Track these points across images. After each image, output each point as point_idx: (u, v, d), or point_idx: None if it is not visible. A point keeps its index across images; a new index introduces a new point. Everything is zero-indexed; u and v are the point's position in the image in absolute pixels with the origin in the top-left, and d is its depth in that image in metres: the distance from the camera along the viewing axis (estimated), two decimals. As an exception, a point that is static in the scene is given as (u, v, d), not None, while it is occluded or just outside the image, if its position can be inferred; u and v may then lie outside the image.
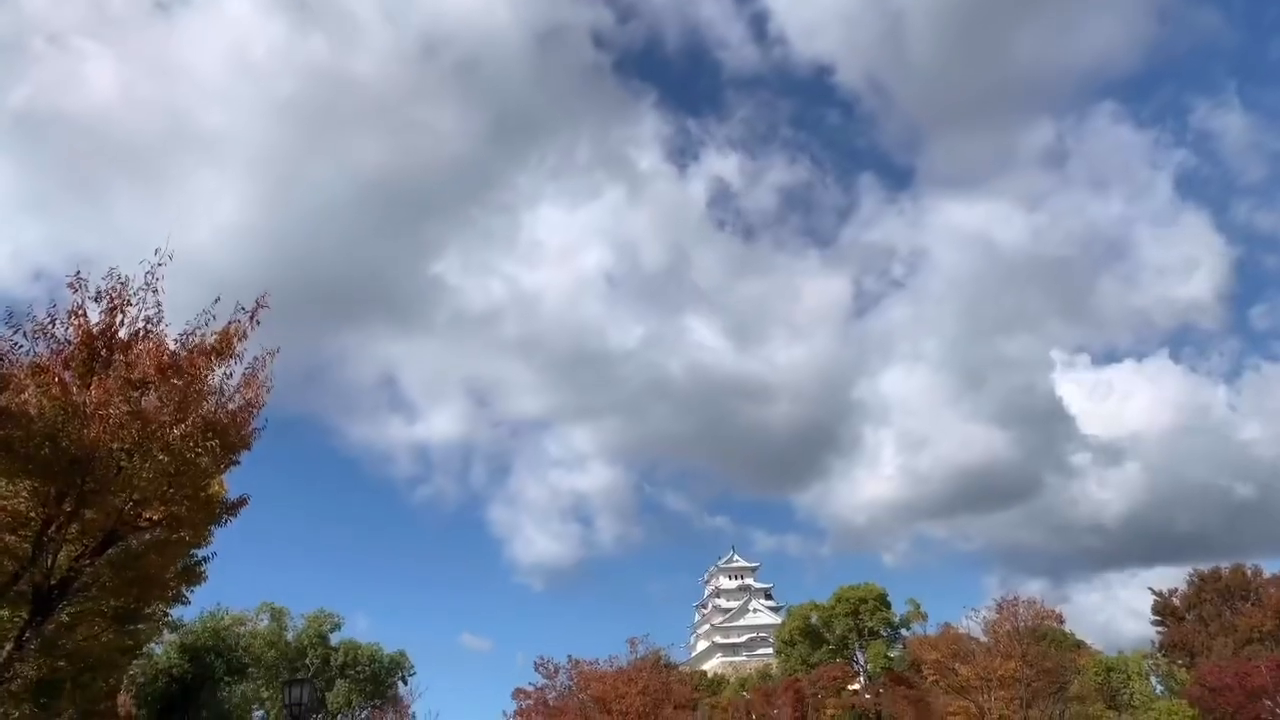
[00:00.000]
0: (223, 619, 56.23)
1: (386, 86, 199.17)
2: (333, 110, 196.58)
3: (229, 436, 17.79)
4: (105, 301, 16.66)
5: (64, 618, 18.37)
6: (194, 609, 51.80)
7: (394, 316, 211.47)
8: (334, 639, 66.17)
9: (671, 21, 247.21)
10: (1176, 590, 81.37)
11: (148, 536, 18.22)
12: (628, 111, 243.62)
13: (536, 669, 57.46)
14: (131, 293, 16.84)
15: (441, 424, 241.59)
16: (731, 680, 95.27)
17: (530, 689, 59.50)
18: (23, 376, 15.94)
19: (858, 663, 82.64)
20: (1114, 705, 63.20)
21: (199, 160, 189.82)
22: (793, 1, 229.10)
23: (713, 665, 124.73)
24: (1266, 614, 71.57)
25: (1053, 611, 59.89)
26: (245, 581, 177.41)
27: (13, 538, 16.36)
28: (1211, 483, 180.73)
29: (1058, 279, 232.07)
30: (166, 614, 25.37)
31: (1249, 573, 78.65)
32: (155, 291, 17.03)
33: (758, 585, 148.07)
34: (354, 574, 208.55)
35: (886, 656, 79.60)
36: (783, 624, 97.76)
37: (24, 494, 16.20)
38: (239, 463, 19.05)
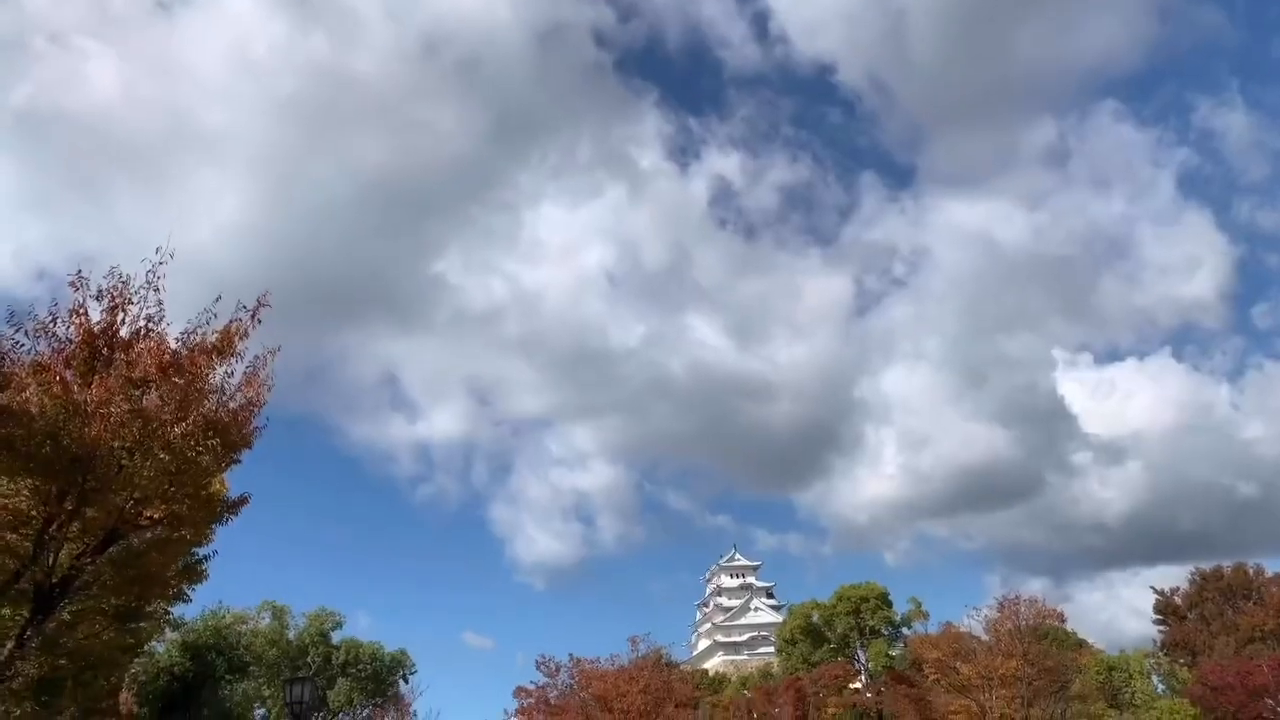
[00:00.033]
0: (224, 617, 56.32)
1: (387, 85, 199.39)
2: (334, 109, 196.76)
3: (230, 435, 17.80)
4: (106, 300, 16.67)
5: (65, 616, 18.38)
6: (195, 607, 51.98)
7: (395, 315, 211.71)
8: (335, 637, 66.24)
9: (673, 20, 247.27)
10: (1178, 589, 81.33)
11: (149, 535, 18.23)
12: (629, 110, 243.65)
13: (538, 667, 57.59)
14: (133, 291, 16.85)
15: (443, 423, 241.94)
16: (733, 679, 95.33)
17: (531, 687, 59.57)
18: (24, 375, 15.97)
19: (859, 661, 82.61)
20: (1115, 704, 63.16)
21: (200, 159, 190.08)
22: (794, 0, 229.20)
23: (714, 664, 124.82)
24: (1268, 613, 71.51)
25: (1054, 610, 59.94)
26: (247, 580, 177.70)
27: (14, 536, 16.39)
28: (1214, 481, 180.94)
29: (1059, 278, 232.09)
30: (168, 612, 25.38)
31: (1251, 572, 78.58)
32: (156, 290, 17.04)
33: (759, 584, 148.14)
34: (355, 573, 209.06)
35: (888, 655, 79.53)
36: (784, 623, 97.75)
37: (25, 492, 16.22)
38: (240, 461, 19.10)
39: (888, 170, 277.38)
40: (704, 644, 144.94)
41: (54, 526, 16.39)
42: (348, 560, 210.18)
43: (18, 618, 17.51)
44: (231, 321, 17.60)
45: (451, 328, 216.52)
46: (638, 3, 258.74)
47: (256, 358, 18.24)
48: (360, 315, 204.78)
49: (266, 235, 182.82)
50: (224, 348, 17.48)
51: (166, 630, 42.00)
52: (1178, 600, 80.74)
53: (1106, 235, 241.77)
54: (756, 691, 79.69)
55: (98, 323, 16.55)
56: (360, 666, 65.90)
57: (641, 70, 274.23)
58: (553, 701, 57.70)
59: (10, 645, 17.11)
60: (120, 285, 16.77)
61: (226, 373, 17.92)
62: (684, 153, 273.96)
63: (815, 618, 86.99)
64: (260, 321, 17.83)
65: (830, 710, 70.61)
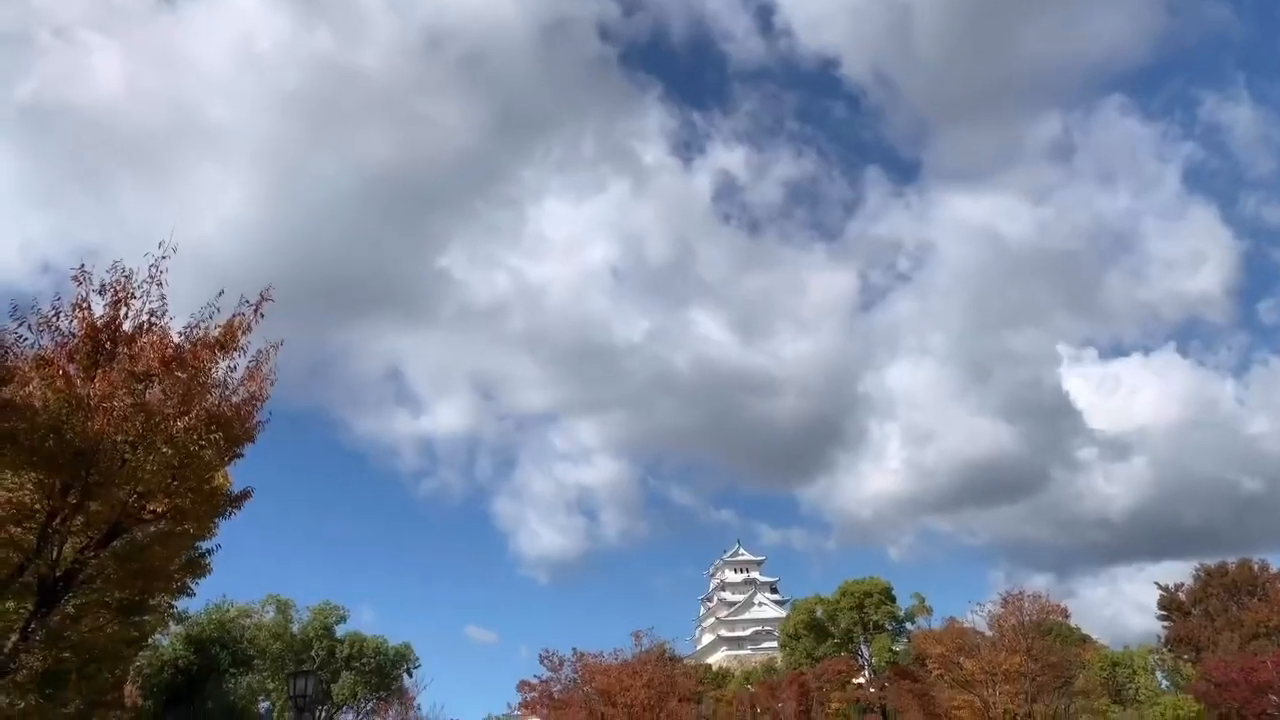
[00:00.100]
0: (228, 611, 56.50)
1: (391, 80, 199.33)
2: (338, 103, 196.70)
3: (233, 429, 17.79)
4: (109, 294, 16.66)
5: (69, 609, 18.40)
6: (199, 601, 52.18)
7: (399, 310, 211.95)
8: (339, 631, 66.33)
9: (677, 14, 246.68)
10: (1183, 585, 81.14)
11: (152, 529, 18.26)
12: (633, 104, 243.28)
13: (541, 661, 57.75)
14: (136, 285, 16.84)
15: (447, 417, 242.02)
16: (736, 673, 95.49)
17: (535, 681, 59.75)
18: (27, 369, 16.00)
19: (862, 656, 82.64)
20: (1119, 700, 63.16)
21: (204, 153, 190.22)
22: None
23: (717, 658, 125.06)
24: (1273, 609, 71.33)
25: (1058, 606, 59.71)
26: (250, 574, 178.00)
27: (18, 530, 16.43)
28: (1219, 477, 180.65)
29: (1064, 272, 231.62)
30: (172, 606, 25.45)
31: (1256, 567, 78.35)
32: (159, 284, 17.02)
33: (763, 579, 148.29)
34: (359, 567, 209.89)
35: (891, 650, 79.57)
36: (787, 617, 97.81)
37: (29, 486, 16.25)
38: (243, 455, 19.04)
39: (892, 165, 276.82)
40: (707, 639, 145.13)
41: (58, 520, 16.42)
42: (352, 554, 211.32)
43: (22, 611, 17.57)
44: (234, 316, 17.58)
45: (456, 322, 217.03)
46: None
47: (259, 352, 18.24)
48: (364, 310, 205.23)
49: (270, 230, 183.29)
50: (227, 342, 17.46)
51: (170, 624, 42.21)
52: (1182, 596, 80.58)
53: (1111, 230, 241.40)
54: (760, 686, 79.80)
55: (101, 317, 16.55)
56: (364, 660, 66.01)
57: (645, 64, 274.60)
58: (556, 695, 57.84)
59: (15, 638, 17.15)
60: (123, 279, 16.75)
61: (229, 367, 17.91)
62: (688, 147, 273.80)
63: (819, 613, 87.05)
64: (263, 316, 17.80)
65: (833, 705, 70.71)
